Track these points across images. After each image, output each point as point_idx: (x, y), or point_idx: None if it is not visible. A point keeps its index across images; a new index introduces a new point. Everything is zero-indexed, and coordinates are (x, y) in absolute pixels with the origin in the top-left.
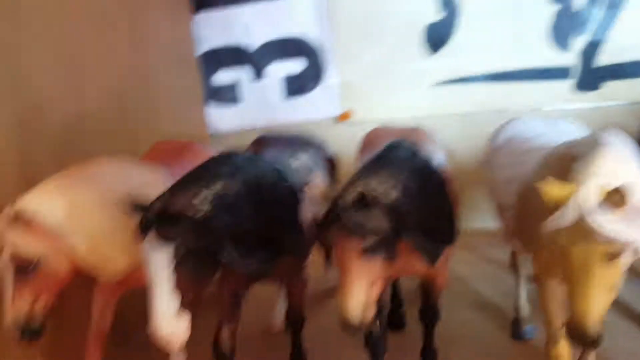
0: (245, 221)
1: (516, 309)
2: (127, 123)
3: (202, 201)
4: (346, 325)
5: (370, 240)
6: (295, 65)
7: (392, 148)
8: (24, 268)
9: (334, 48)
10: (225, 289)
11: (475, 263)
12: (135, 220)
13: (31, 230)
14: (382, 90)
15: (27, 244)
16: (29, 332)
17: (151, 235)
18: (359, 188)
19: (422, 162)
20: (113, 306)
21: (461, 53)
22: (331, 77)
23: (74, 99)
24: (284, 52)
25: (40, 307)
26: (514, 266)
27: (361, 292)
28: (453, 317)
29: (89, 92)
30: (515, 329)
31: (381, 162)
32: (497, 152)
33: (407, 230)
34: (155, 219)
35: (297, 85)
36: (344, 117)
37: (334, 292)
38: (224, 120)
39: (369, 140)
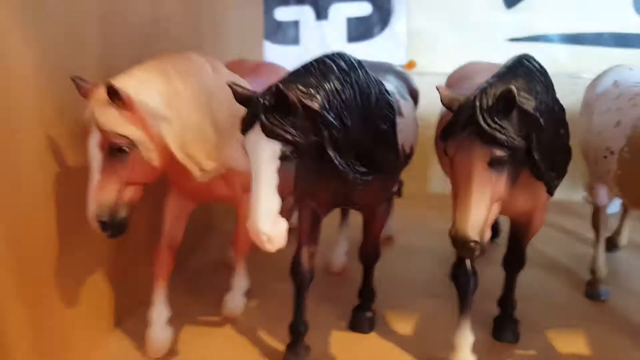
0: (351, 128)
1: (593, 270)
2: (196, 40)
3: (316, 94)
4: (462, 242)
5: (502, 151)
6: (360, 8)
7: (522, 60)
8: (114, 153)
9: None
10: (306, 208)
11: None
12: (236, 112)
13: (126, 111)
14: (451, 42)
15: (120, 126)
16: (112, 225)
17: (257, 128)
18: (501, 88)
19: (550, 81)
20: (185, 219)
21: (537, 10)
22: (398, 24)
23: (148, 9)
24: None
25: (127, 198)
26: (595, 226)
27: (483, 208)
28: (522, 275)
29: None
30: (591, 289)
31: (514, 71)
32: (602, 96)
33: (538, 151)
34: (265, 109)
35: (361, 30)
36: (408, 67)
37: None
38: (280, 60)
39: (460, 76)
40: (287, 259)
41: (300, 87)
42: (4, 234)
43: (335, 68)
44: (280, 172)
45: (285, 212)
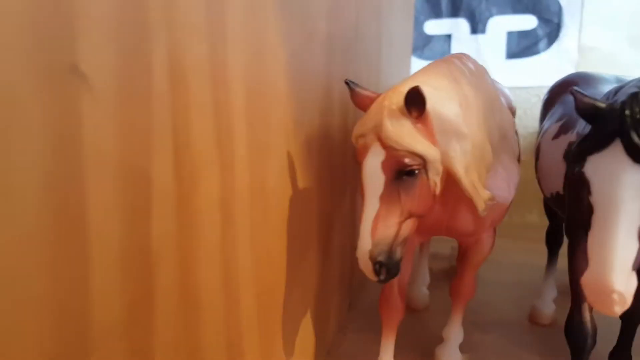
0: None
1: None
2: (376, 51)
3: None
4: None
5: None
6: (524, 22)
7: None
8: (401, 176)
9: (577, 4)
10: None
11: None
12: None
13: (420, 125)
14: (629, 58)
15: (419, 143)
16: (389, 267)
17: (618, 149)
18: None
19: None
20: (412, 256)
21: None
22: (569, 38)
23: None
24: (512, 5)
25: (405, 234)
26: None
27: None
28: None
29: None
30: None
31: None
32: None
33: None
34: (635, 123)
35: (523, 45)
36: None
37: None
38: None
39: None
40: (492, 304)
41: None
42: (251, 250)
43: None
44: None
45: (637, 263)
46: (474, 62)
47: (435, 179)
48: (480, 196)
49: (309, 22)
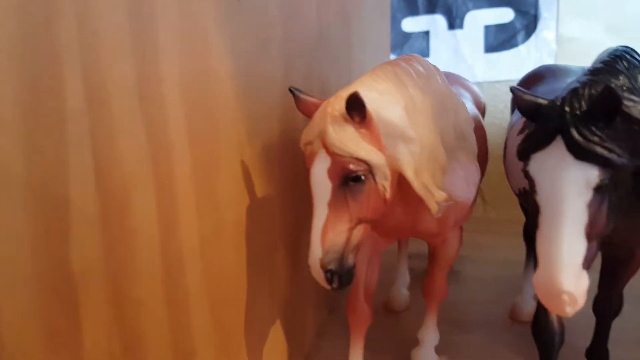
0: None
1: None
2: (346, 51)
3: (637, 97)
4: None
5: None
6: (501, 15)
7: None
8: (348, 183)
9: None
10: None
11: None
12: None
13: (364, 130)
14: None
15: (362, 149)
16: (341, 274)
17: (559, 146)
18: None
19: None
20: (379, 259)
21: None
22: (546, 30)
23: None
24: None
25: (356, 240)
26: None
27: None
28: None
29: (327, 8)
30: None
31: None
32: None
33: None
34: (575, 119)
35: (501, 38)
36: None
37: None
38: None
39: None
40: (476, 308)
41: (610, 82)
42: (203, 265)
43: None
44: (594, 207)
45: (587, 262)
46: (424, 63)
47: (384, 183)
48: (434, 197)
49: (263, 28)
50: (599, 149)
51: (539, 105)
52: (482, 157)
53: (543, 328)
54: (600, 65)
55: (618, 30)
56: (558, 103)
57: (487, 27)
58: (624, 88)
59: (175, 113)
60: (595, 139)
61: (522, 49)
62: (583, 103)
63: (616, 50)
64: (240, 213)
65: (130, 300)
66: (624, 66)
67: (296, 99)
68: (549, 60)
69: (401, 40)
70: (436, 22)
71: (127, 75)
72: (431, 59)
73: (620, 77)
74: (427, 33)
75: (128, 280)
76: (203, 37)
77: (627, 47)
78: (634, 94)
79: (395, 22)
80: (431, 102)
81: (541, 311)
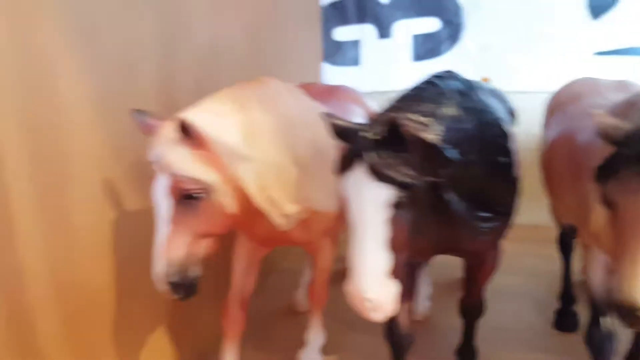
0: (472, 164)
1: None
2: (256, 64)
3: (433, 124)
4: (628, 310)
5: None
6: (428, 24)
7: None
8: (185, 200)
9: (475, 5)
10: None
11: None
12: (319, 144)
13: (200, 151)
14: (528, 57)
15: (195, 169)
16: (184, 286)
17: (362, 168)
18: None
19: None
20: (256, 267)
21: (627, 21)
22: (468, 39)
23: (209, 30)
24: (415, 8)
25: (198, 253)
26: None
27: None
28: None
29: (226, 23)
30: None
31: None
32: None
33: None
34: (374, 144)
35: (428, 47)
36: None
37: None
38: (340, 81)
39: (571, 95)
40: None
41: (414, 116)
42: (52, 282)
43: (450, 90)
44: (393, 222)
45: (397, 271)
46: (277, 86)
47: (225, 199)
48: (278, 211)
49: (131, 48)
50: (392, 173)
51: (346, 129)
52: None
53: (393, 332)
54: (410, 92)
55: (538, 41)
56: (361, 129)
57: (415, 37)
58: (427, 114)
59: (9, 138)
60: (390, 162)
61: (445, 58)
62: (379, 130)
63: (433, 76)
64: (99, 232)
65: None
66: (434, 92)
67: (139, 122)
68: (470, 70)
69: (334, 49)
70: (366, 31)
71: None
72: (363, 68)
73: (424, 104)
74: (357, 42)
75: None
76: (49, 66)
77: (448, 71)
78: (436, 119)
79: (328, 31)
80: (280, 122)
81: (392, 318)
